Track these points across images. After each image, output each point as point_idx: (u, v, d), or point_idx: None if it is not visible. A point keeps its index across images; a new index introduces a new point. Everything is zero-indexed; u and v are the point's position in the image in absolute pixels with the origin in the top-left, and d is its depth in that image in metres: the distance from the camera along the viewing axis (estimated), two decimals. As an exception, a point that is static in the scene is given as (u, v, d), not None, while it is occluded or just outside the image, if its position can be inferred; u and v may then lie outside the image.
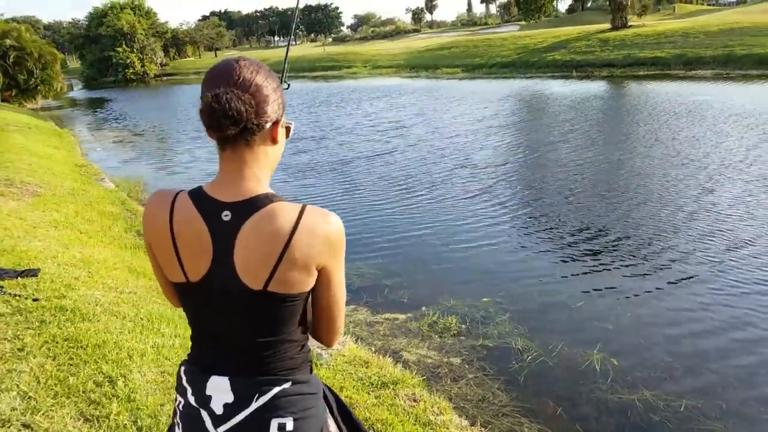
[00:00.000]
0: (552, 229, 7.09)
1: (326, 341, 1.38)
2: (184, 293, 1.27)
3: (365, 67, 47.56)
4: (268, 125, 1.21)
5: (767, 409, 3.49)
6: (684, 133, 12.07)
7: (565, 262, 6.10)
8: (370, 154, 12.46)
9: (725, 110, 14.61)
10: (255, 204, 1.19)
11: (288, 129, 1.33)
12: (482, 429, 3.28)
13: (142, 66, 63.78)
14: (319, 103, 24.84)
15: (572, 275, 5.76)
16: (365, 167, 11.20)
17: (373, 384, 3.37)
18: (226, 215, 1.19)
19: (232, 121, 1.13)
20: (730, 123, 12.83)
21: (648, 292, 5.24)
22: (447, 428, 3.00)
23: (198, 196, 1.23)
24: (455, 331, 4.77)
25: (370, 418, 3.00)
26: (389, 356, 4.33)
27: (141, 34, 64.63)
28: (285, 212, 1.18)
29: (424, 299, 5.40)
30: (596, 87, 24.21)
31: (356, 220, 7.92)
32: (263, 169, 1.24)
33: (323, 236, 1.19)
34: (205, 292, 1.22)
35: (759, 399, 3.61)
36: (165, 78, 63.40)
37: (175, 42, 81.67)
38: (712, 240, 6.28)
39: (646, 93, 20.75)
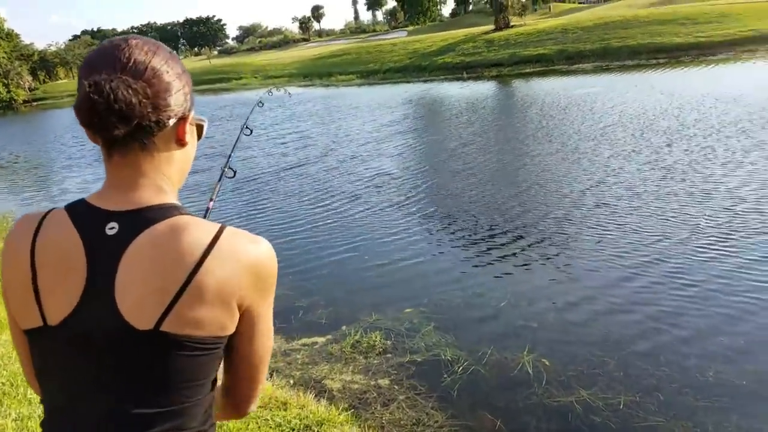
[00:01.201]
0: (464, 233, 6.96)
1: (239, 409, 1.03)
2: (37, 346, 0.90)
3: (256, 77, 46.35)
4: (171, 122, 0.93)
5: (702, 395, 3.45)
6: (575, 126, 12.51)
7: (483, 264, 5.96)
8: (273, 169, 11.89)
9: (609, 101, 15.43)
10: (154, 214, 0.90)
11: (200, 127, 1.05)
12: (423, 461, 2.96)
13: (8, 92, 58.72)
14: (209, 117, 23.71)
15: (491, 277, 5.62)
16: (269, 183, 10.64)
17: (294, 429, 2.95)
18: (112, 228, 0.88)
19: (120, 118, 0.85)
20: (616, 113, 13.49)
21: (567, 287, 5.18)
22: (385, 470, 2.65)
23: (77, 208, 0.93)
24: (380, 349, 4.45)
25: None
26: (311, 389, 3.94)
27: (3, 57, 59.48)
28: (196, 228, 0.89)
29: (343, 318, 5.04)
30: (488, 87, 25.00)
31: (263, 236, 7.41)
32: (167, 178, 0.96)
33: (249, 264, 0.90)
34: (67, 338, 0.86)
35: (692, 386, 3.57)
36: (36, 103, 58.55)
37: (44, 65, 75.64)
38: (618, 230, 6.39)
39: (535, 89, 21.66)
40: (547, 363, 3.98)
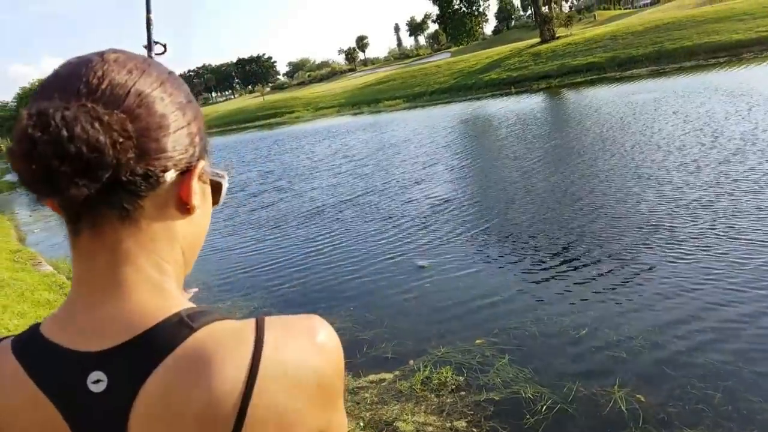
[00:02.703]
0: (531, 257, 6.59)
1: None
2: None
3: (307, 110, 47.38)
4: (168, 176, 0.61)
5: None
6: (637, 137, 11.89)
7: (556, 290, 5.56)
8: (332, 201, 11.76)
9: (670, 107, 14.69)
10: (158, 343, 0.58)
11: (217, 186, 0.72)
12: None
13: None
14: (267, 152, 24.19)
15: (566, 304, 5.22)
16: (329, 216, 10.52)
17: (372, 486, 2.70)
18: (98, 381, 0.57)
19: (80, 168, 0.53)
20: (680, 119, 12.78)
21: (653, 313, 4.72)
22: None
23: (32, 350, 0.60)
24: (453, 386, 4.15)
25: None
26: (381, 431, 3.69)
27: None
28: (225, 348, 0.58)
29: (410, 351, 4.78)
30: (538, 101, 24.47)
31: (327, 269, 7.26)
32: (167, 265, 0.63)
33: (310, 380, 0.61)
34: None
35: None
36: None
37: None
38: (702, 250, 5.83)
39: (589, 99, 21.00)
40: (642, 399, 3.58)
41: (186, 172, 0.64)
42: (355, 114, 37.84)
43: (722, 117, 11.82)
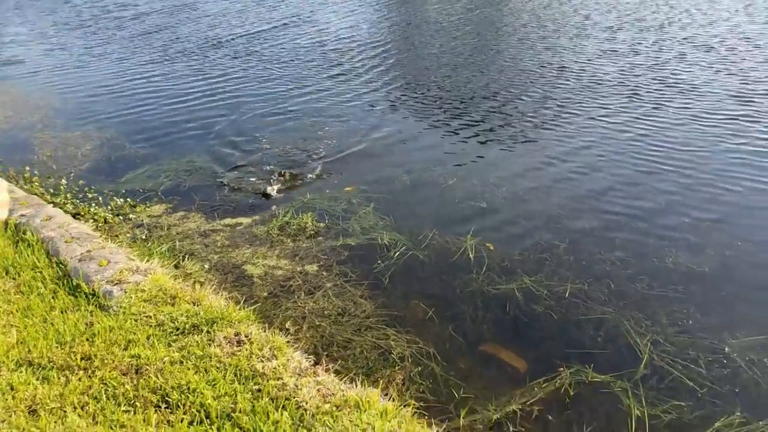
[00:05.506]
0: (418, 104, 6.31)
1: None
2: None
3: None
4: None
5: (658, 284, 3.10)
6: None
7: (434, 138, 5.39)
8: (231, 33, 10.52)
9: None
10: None
11: None
12: (333, 364, 2.54)
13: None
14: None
15: (442, 151, 5.08)
16: (223, 49, 9.44)
17: (178, 329, 2.45)
18: None
19: None
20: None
21: (522, 163, 4.70)
22: (279, 377, 2.21)
23: None
24: (312, 232, 3.96)
25: (162, 387, 2.12)
26: (228, 275, 3.49)
27: None
28: None
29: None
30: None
31: (201, 106, 6.60)
32: None
33: None
34: None
35: (648, 273, 3.21)
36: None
37: None
38: (582, 104, 5.83)
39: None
40: (491, 247, 3.55)
41: None
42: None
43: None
